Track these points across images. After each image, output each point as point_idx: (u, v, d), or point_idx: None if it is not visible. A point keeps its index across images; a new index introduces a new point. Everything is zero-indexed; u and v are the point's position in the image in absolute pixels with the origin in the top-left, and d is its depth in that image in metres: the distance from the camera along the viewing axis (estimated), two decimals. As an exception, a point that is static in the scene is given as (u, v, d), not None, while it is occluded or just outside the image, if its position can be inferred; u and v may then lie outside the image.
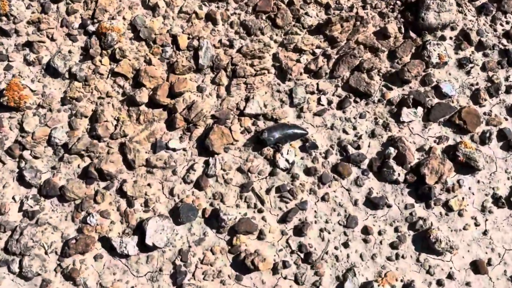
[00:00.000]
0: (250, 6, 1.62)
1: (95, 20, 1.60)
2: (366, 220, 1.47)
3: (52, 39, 1.60)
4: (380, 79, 1.60)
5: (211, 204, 1.47)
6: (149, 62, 1.56)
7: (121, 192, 1.47)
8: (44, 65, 1.57)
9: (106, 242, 1.43)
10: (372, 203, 1.48)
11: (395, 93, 1.59)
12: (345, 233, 1.46)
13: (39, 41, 1.58)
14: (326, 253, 1.43)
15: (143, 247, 1.42)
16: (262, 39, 1.60)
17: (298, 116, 1.56)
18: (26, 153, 1.49)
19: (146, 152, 1.50)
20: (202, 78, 1.58)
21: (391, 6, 1.65)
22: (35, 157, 1.50)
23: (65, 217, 1.47)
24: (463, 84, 1.61)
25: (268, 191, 1.48)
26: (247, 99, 1.55)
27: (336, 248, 1.44)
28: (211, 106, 1.56)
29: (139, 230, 1.44)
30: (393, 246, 1.45)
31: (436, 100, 1.58)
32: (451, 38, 1.65)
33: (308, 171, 1.50)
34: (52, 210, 1.47)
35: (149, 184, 1.48)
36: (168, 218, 1.44)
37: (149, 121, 1.52)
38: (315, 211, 1.47)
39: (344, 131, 1.55)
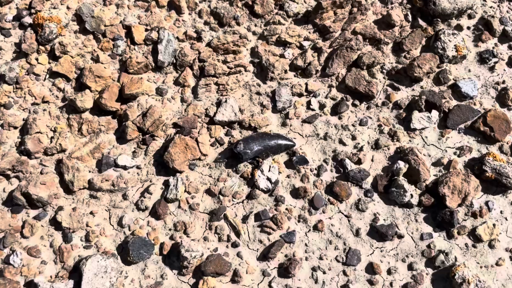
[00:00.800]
0: (223, -8, 1.33)
1: (33, 11, 1.30)
2: (371, 255, 1.14)
3: (-20, 34, 1.30)
4: (384, 77, 1.29)
5: (171, 237, 1.14)
6: (96, 59, 1.26)
7: (55, 223, 1.15)
8: (-32, 65, 1.27)
9: (34, 289, 1.10)
10: (379, 233, 1.15)
11: (403, 94, 1.28)
12: (344, 273, 1.12)
13: (-37, 36, 1.28)
14: (321, 299, 1.10)
15: (81, 295, 1.08)
16: (238, 30, 1.30)
17: (283, 124, 1.25)
18: None
19: (89, 171, 1.18)
20: (163, 78, 1.27)
21: (395, -10, 1.35)
22: (-51, 179, 1.18)
23: (-17, 256, 1.14)
24: (486, 82, 1.30)
25: (245, 219, 1.16)
26: (218, 103, 1.24)
27: (333, 293, 1.11)
28: (173, 112, 1.24)
29: (77, 272, 1.11)
30: (407, 289, 1.11)
31: (454, 102, 1.27)
32: (468, 27, 1.36)
33: (296, 193, 1.18)
34: (-32, 247, 1.14)
35: (91, 212, 1.16)
36: (114, 256, 1.11)
37: (94, 131, 1.21)
38: (305, 244, 1.14)
39: (341, 142, 1.23)
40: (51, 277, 1.11)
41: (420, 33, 1.31)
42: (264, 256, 1.13)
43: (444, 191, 1.16)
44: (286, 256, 1.13)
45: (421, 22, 1.33)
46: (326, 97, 1.27)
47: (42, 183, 1.14)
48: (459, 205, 1.17)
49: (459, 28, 1.34)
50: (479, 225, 1.16)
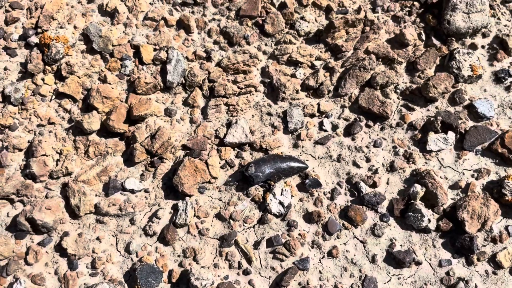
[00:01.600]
0: (232, 11, 1.30)
1: (39, 30, 1.27)
2: (388, 282, 1.10)
3: (-14, 54, 1.27)
4: (398, 97, 1.26)
5: (180, 264, 1.10)
6: (104, 80, 1.23)
7: (61, 249, 1.11)
8: (-27, 85, 1.24)
9: (37, 319, 1.06)
10: (396, 260, 1.11)
11: (418, 115, 1.25)
12: (360, 302, 1.08)
13: (-32, 56, 1.26)
14: (336, 330, 1.05)
15: (87, 325, 1.04)
16: (248, 50, 1.27)
17: (295, 145, 1.22)
18: None
19: (96, 195, 1.15)
20: (172, 98, 1.24)
21: (407, 9, 1.32)
22: (-49, 204, 1.14)
23: (-15, 284, 1.10)
24: (502, 102, 1.27)
25: (256, 245, 1.12)
26: (228, 124, 1.21)
27: (349, 323, 1.06)
28: (182, 133, 1.21)
29: (83, 301, 1.06)
30: (426, 319, 1.07)
31: (470, 123, 1.24)
32: (483, 46, 1.33)
33: (309, 217, 1.14)
34: (-31, 275, 1.10)
35: (98, 238, 1.12)
36: (121, 284, 1.07)
37: (101, 154, 1.17)
38: (320, 272, 1.10)
39: (355, 164, 1.19)
40: (55, 306, 1.07)
41: (434, 52, 1.28)
42: (277, 284, 1.09)
43: (463, 216, 1.12)
44: (299, 284, 1.09)
45: (435, 41, 1.30)
46: (339, 118, 1.24)
47: (47, 207, 1.10)
48: (479, 230, 1.13)
49: (473, 47, 1.31)
50: (499, 251, 1.12)
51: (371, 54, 1.27)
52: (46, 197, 1.14)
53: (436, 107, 1.25)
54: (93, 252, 1.11)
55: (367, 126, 1.23)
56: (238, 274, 1.10)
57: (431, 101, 1.25)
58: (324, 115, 1.24)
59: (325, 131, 1.23)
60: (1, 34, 1.28)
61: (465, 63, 1.26)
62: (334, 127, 1.23)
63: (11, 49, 1.27)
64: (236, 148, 1.20)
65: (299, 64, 1.27)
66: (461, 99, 1.25)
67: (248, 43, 1.29)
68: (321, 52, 1.28)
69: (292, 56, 1.26)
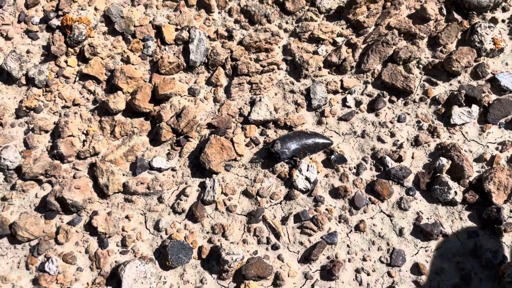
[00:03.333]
0: (252, -11, 1.30)
1: (60, 13, 1.28)
2: (416, 255, 1.10)
3: (7, 38, 1.28)
4: (421, 72, 1.26)
5: (210, 241, 1.11)
6: (127, 61, 1.23)
7: (90, 228, 1.12)
8: (-4, 69, 1.25)
9: (70, 297, 1.07)
10: (423, 232, 1.11)
11: (441, 89, 1.24)
12: (389, 274, 1.09)
13: (-10, 40, 1.26)
14: (367, 302, 1.06)
15: (120, 301, 1.05)
16: (269, 28, 1.27)
17: (319, 122, 1.22)
18: (-32, 181, 1.15)
19: (123, 175, 1.15)
20: (195, 78, 1.24)
21: (428, -16, 1.32)
22: (-20, 186, 1.15)
23: (17, 263, 1.11)
24: (525, 75, 1.26)
25: (284, 221, 1.12)
26: (252, 103, 1.21)
27: (379, 295, 1.07)
28: (207, 112, 1.21)
29: (115, 278, 1.07)
30: (456, 289, 1.07)
31: (493, 96, 1.24)
32: (503, 21, 1.32)
33: (335, 193, 1.15)
34: (1, 255, 1.11)
35: (127, 217, 1.13)
36: (152, 261, 1.08)
37: (127, 134, 1.18)
38: (347, 246, 1.11)
39: (379, 139, 1.20)
40: (88, 284, 1.08)
41: (456, 27, 1.27)
42: (306, 258, 1.10)
43: (489, 187, 1.12)
44: (328, 258, 1.10)
45: (456, 15, 1.29)
46: (362, 94, 1.24)
47: (76, 187, 1.11)
48: (505, 201, 1.13)
49: (494, 21, 1.31)
50: (526, 222, 1.12)
51: (393, 29, 1.26)
52: (74, 177, 1.15)
53: (459, 81, 1.25)
54: (123, 230, 1.11)
55: (391, 101, 1.23)
56: (267, 249, 1.11)
57: (453, 76, 1.25)
58: (347, 92, 1.24)
59: (349, 107, 1.23)
60: (22, 17, 1.28)
61: (487, 37, 1.26)
62: (358, 103, 1.23)
63: (33, 32, 1.28)
64: (260, 126, 1.21)
65: (321, 41, 1.27)
66: (484, 72, 1.25)
67: (269, 21, 1.28)
68: (342, 28, 1.28)
69: (313, 33, 1.26)
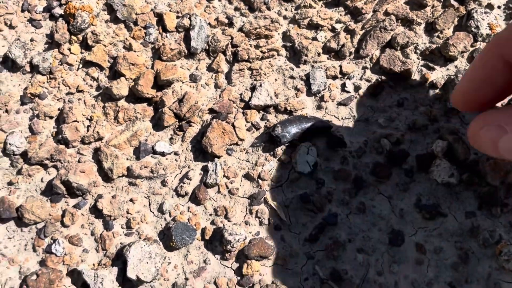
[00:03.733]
0: (252, -23, 1.32)
1: (63, 1, 1.29)
2: (414, 235, 1.13)
3: (11, 27, 1.29)
4: (418, 58, 1.28)
5: (213, 222, 1.14)
6: (129, 48, 1.25)
7: (96, 211, 1.14)
8: (1, 57, 1.26)
9: (77, 277, 1.09)
10: (422, 213, 1.14)
11: (438, 74, 1.27)
12: (389, 254, 1.11)
13: (-6, 29, 1.28)
14: (367, 280, 1.09)
15: (126, 281, 1.08)
16: (269, 15, 1.29)
17: (318, 107, 1.24)
18: (-26, 166, 1.17)
19: (127, 159, 1.18)
20: (196, 64, 1.26)
21: (425, -29, 1.34)
22: (-13, 171, 1.17)
23: (24, 245, 1.13)
24: (520, 60, 1.28)
25: (285, 203, 1.15)
26: (253, 88, 1.23)
27: (379, 273, 1.10)
28: (208, 98, 1.24)
29: (120, 259, 1.10)
30: (454, 268, 1.10)
31: (490, 80, 1.26)
32: (499, 7, 1.34)
33: (335, 175, 1.17)
34: (8, 238, 1.13)
35: (131, 200, 1.15)
36: (157, 242, 1.10)
37: (130, 119, 1.20)
38: (348, 227, 1.13)
39: (378, 124, 1.22)
40: (94, 265, 1.10)
41: (452, 13, 1.30)
42: (307, 239, 1.12)
43: (486, 168, 1.14)
44: (330, 238, 1.12)
45: (452, 1, 1.32)
46: (360, 79, 1.26)
47: (81, 171, 1.13)
48: (501, 183, 1.15)
49: (490, 7, 1.33)
50: (522, 202, 1.14)
51: (390, 15, 1.29)
52: (79, 161, 1.17)
53: (456, 66, 1.27)
54: (128, 213, 1.14)
55: (389, 86, 1.25)
56: (269, 230, 1.13)
57: (450, 60, 1.28)
58: (346, 77, 1.27)
59: (348, 92, 1.25)
60: (26, 6, 1.30)
61: (483, 22, 1.28)
62: (357, 88, 1.25)
63: (36, 21, 1.30)
64: (261, 111, 1.23)
65: (320, 28, 1.29)
66: (480, 57, 1.27)
67: (268, 9, 1.30)
68: (341, 15, 1.30)
69: (312, 20, 1.28)
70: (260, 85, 1.22)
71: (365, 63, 1.28)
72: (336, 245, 1.10)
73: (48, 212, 1.12)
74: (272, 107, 1.22)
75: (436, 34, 1.30)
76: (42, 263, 1.10)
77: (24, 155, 1.18)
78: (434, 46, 1.28)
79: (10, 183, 1.17)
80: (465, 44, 1.27)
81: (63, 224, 1.13)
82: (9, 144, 1.16)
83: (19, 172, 1.17)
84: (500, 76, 0.82)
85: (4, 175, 1.18)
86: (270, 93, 1.22)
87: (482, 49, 0.87)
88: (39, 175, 1.17)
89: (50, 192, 1.16)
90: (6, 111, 1.21)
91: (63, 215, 1.13)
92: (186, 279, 1.09)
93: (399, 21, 1.29)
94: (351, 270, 1.10)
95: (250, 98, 1.22)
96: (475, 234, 1.13)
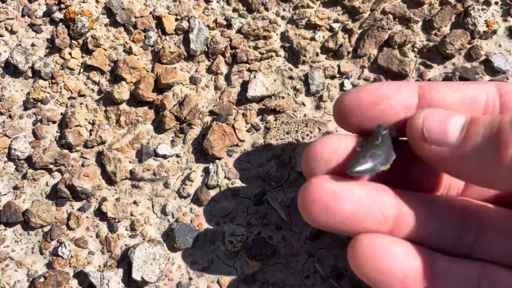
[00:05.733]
0: (249, -22, 1.33)
1: (63, 6, 1.31)
2: (413, 232, 1.15)
3: (12, 32, 1.31)
4: (416, 56, 1.29)
5: (215, 223, 1.16)
6: (129, 51, 1.27)
7: (100, 214, 1.17)
8: (2, 63, 1.28)
9: (83, 279, 1.12)
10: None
11: (436, 72, 1.28)
12: (388, 251, 1.13)
13: (-4, 34, 1.29)
14: (366, 277, 1.11)
15: (131, 282, 1.10)
16: (267, 16, 1.30)
17: (317, 107, 1.26)
18: (-20, 172, 1.19)
19: (130, 162, 1.20)
20: (195, 66, 1.28)
21: (422, -32, 1.34)
22: (-8, 176, 1.20)
23: (31, 249, 1.16)
24: (517, 56, 1.30)
25: (286, 203, 1.17)
26: (247, 82, 1.24)
27: (378, 270, 1.12)
28: (208, 100, 1.25)
29: (125, 261, 1.13)
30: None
31: (487, 77, 1.27)
32: (496, 3, 1.35)
33: (334, 174, 1.19)
34: (15, 241, 1.16)
35: (135, 202, 1.17)
36: (160, 243, 1.13)
37: (132, 122, 1.22)
38: (347, 225, 1.15)
39: (376, 122, 1.23)
40: (99, 266, 1.13)
41: (449, 10, 1.30)
42: (308, 237, 1.15)
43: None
44: (330, 237, 1.15)
45: (449, -1, 1.32)
46: (359, 78, 1.28)
47: (85, 175, 1.16)
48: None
49: (487, 3, 1.33)
50: None
51: (387, 14, 1.29)
52: (83, 165, 1.19)
53: (453, 64, 1.29)
54: (131, 215, 1.16)
55: (387, 85, 1.27)
56: (270, 230, 1.16)
57: (448, 58, 1.29)
58: (344, 76, 1.28)
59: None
60: (26, 11, 1.32)
61: (480, 19, 1.29)
62: (355, 87, 1.27)
63: (37, 26, 1.31)
64: (259, 114, 1.24)
65: (318, 28, 1.30)
66: (477, 54, 1.28)
67: (266, 9, 1.31)
68: (338, 14, 1.31)
69: (310, 20, 1.29)
70: (255, 77, 1.24)
71: (363, 62, 1.29)
72: (337, 244, 1.12)
73: (54, 215, 1.15)
74: (271, 97, 1.24)
75: (434, 32, 1.30)
76: (49, 265, 1.13)
77: (29, 160, 1.20)
78: (431, 44, 1.29)
79: (15, 188, 1.19)
80: (463, 41, 1.28)
81: (69, 227, 1.15)
82: (14, 149, 1.18)
83: (24, 177, 1.19)
84: None
85: (10, 180, 1.20)
86: (266, 84, 1.23)
87: None
88: (44, 179, 1.20)
89: (55, 195, 1.18)
90: (10, 116, 1.23)
91: (68, 218, 1.16)
92: (190, 279, 1.12)
93: (397, 19, 1.30)
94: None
95: (246, 90, 1.23)
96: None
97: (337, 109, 0.73)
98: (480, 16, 1.29)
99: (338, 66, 1.28)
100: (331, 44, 1.28)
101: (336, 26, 1.30)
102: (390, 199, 0.59)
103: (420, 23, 1.31)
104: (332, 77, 1.28)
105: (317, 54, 1.28)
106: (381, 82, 0.67)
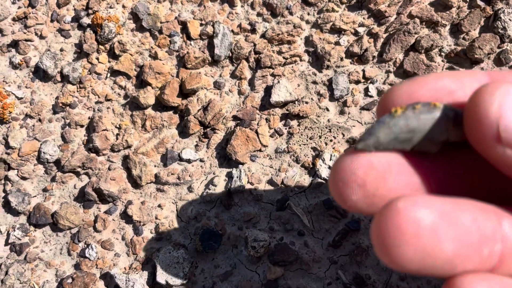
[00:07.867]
0: (274, -18, 1.32)
1: (90, 11, 1.33)
2: (438, 240, 1.13)
3: (41, 37, 1.34)
4: (443, 60, 1.27)
5: (238, 228, 1.17)
6: (154, 56, 1.29)
7: (126, 217, 1.19)
8: (33, 67, 1.32)
9: (109, 280, 1.15)
10: (445, 218, 1.14)
11: (463, 77, 1.25)
12: (412, 259, 1.12)
13: (26, 39, 1.33)
14: (389, 285, 1.10)
15: (155, 285, 1.13)
16: (291, 20, 1.29)
17: (341, 112, 1.25)
18: (12, 173, 1.23)
19: (155, 166, 1.22)
20: (219, 71, 1.29)
21: (450, -30, 1.31)
22: (23, 178, 1.23)
23: (59, 250, 1.19)
24: (550, 60, 1.26)
25: (309, 208, 1.17)
26: (270, 87, 1.25)
27: (402, 279, 1.11)
28: (232, 105, 1.26)
29: (150, 263, 1.15)
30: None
31: (517, 83, 1.24)
32: (528, 5, 1.31)
33: (358, 181, 1.18)
34: (44, 242, 1.20)
35: (159, 205, 1.19)
36: (184, 247, 1.15)
37: (157, 127, 1.24)
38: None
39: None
40: (125, 268, 1.16)
41: (478, 13, 1.27)
42: (330, 244, 1.14)
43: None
44: (353, 243, 1.14)
45: (479, 1, 1.29)
46: (384, 83, 1.26)
47: (112, 178, 1.18)
48: None
49: (518, 5, 1.30)
50: None
51: (414, 18, 1.27)
52: (109, 169, 1.22)
53: (482, 68, 1.26)
54: (156, 218, 1.18)
55: (413, 90, 1.25)
56: (292, 236, 1.16)
57: (476, 63, 1.26)
58: (369, 81, 1.27)
59: (371, 96, 1.26)
60: (55, 17, 1.35)
61: (510, 23, 1.25)
62: (380, 93, 1.25)
63: (65, 31, 1.34)
64: (283, 119, 1.24)
65: (343, 32, 1.29)
66: (507, 59, 1.25)
67: (291, 14, 1.31)
68: (364, 18, 1.30)
69: (335, 24, 1.28)
70: (278, 82, 1.24)
71: (389, 67, 1.27)
72: (359, 251, 1.12)
73: (81, 218, 1.18)
74: (295, 102, 1.24)
75: (462, 36, 1.28)
76: (77, 266, 1.16)
77: (58, 163, 1.23)
78: (459, 48, 1.27)
79: (45, 190, 1.22)
80: (492, 45, 1.24)
81: (96, 229, 1.18)
82: (43, 152, 1.22)
83: (53, 179, 1.23)
84: None
85: (39, 182, 1.24)
86: (289, 89, 1.23)
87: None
88: (72, 182, 1.23)
89: (82, 198, 1.21)
90: (39, 120, 1.27)
91: (95, 221, 1.18)
92: (214, 283, 1.13)
93: (423, 23, 1.28)
94: (374, 275, 1.11)
95: (270, 95, 1.23)
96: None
97: (383, 105, 0.53)
98: (510, 20, 1.26)
99: (363, 70, 1.27)
100: (356, 49, 1.27)
101: (361, 30, 1.29)
102: (494, 225, 0.40)
103: (448, 27, 1.29)
104: (357, 82, 1.27)
105: (341, 59, 1.27)
106: (441, 73, 0.49)
